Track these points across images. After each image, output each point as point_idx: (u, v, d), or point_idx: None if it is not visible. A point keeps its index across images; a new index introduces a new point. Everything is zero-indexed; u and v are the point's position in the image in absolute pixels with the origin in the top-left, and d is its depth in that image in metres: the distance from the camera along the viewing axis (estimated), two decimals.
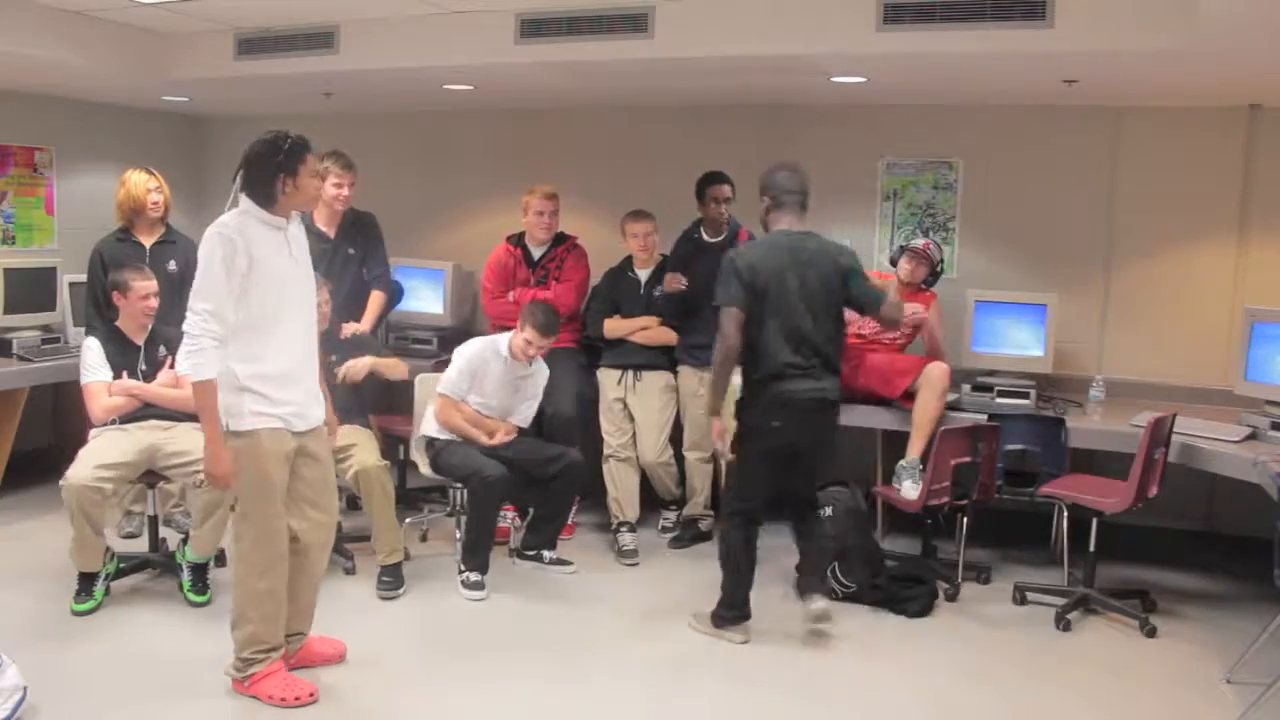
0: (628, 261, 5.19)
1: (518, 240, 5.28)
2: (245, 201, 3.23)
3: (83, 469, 3.94)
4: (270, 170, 3.20)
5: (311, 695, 3.37)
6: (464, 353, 4.59)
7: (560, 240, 5.26)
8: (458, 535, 4.82)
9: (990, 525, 5.07)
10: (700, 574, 4.73)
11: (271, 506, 3.29)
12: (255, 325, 3.21)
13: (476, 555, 4.42)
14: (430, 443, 4.61)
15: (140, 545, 4.61)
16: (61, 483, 3.93)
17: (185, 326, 3.16)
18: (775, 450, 3.88)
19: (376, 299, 5.04)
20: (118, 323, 4.38)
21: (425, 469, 4.68)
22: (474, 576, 4.39)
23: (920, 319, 4.86)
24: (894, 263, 5.06)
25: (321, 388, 3.54)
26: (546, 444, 4.73)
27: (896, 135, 5.57)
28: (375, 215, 5.15)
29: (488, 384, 4.59)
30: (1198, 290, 5.11)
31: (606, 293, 5.22)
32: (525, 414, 4.70)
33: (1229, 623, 4.21)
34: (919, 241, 5.03)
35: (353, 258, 4.96)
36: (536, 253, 5.23)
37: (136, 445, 4.13)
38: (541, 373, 4.71)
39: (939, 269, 5.03)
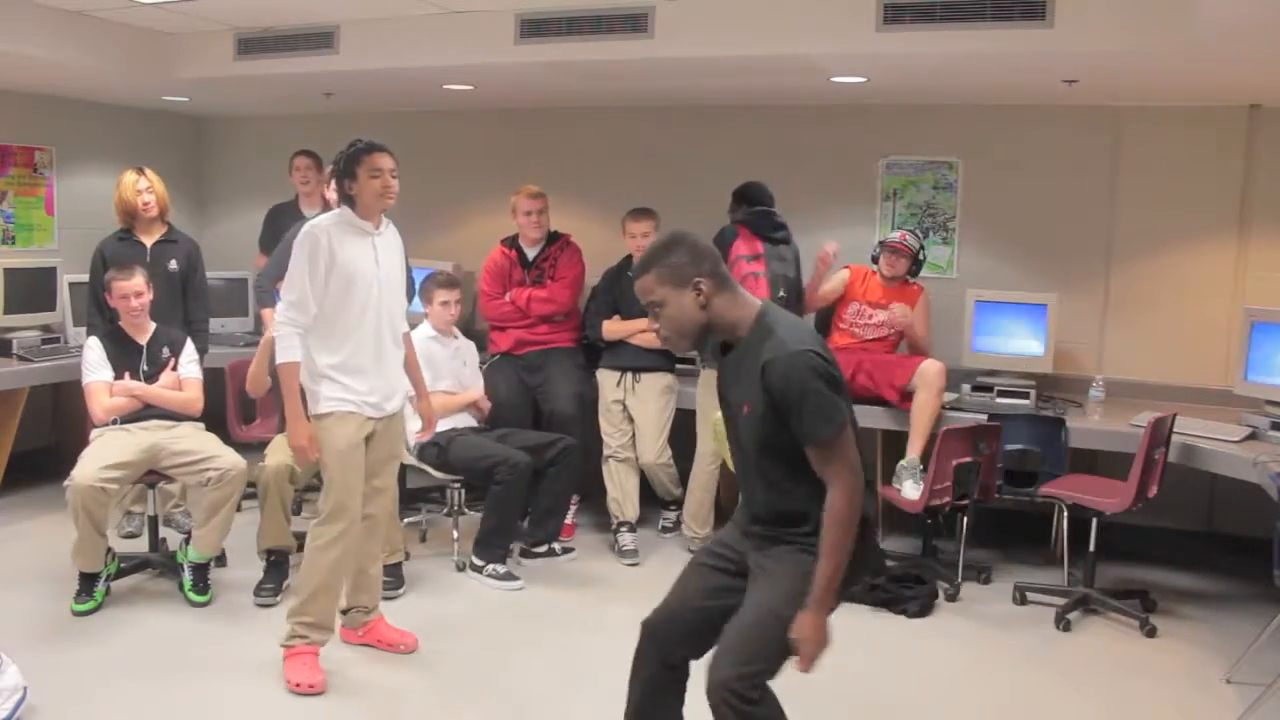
0: (627, 261, 5.18)
1: (512, 242, 5.29)
2: (342, 206, 3.54)
3: (88, 469, 3.94)
4: (339, 178, 3.52)
5: (312, 687, 3.45)
6: None
7: (554, 239, 5.27)
8: (455, 535, 4.83)
9: (990, 525, 5.07)
10: None
11: (345, 481, 3.49)
12: (331, 319, 3.46)
13: (498, 546, 4.49)
14: (429, 440, 4.63)
15: (140, 545, 4.62)
16: (66, 483, 3.93)
17: (275, 314, 3.52)
18: None
19: None
20: (120, 322, 4.39)
21: (432, 471, 4.70)
22: (501, 568, 4.47)
23: (903, 323, 4.87)
24: (875, 260, 5.04)
25: (417, 382, 3.91)
26: (540, 432, 4.86)
27: (896, 135, 5.56)
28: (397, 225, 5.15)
29: (441, 367, 4.78)
30: (1198, 290, 5.10)
31: (605, 293, 5.22)
32: (478, 386, 4.97)
33: (1229, 623, 4.21)
34: (895, 235, 5.01)
35: None
36: (530, 253, 5.23)
37: (139, 445, 4.13)
38: (466, 343, 4.99)
39: (920, 258, 5.00)
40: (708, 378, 4.80)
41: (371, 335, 3.54)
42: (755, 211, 4.91)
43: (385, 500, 3.79)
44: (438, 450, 4.61)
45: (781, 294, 4.75)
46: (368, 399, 3.53)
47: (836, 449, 2.40)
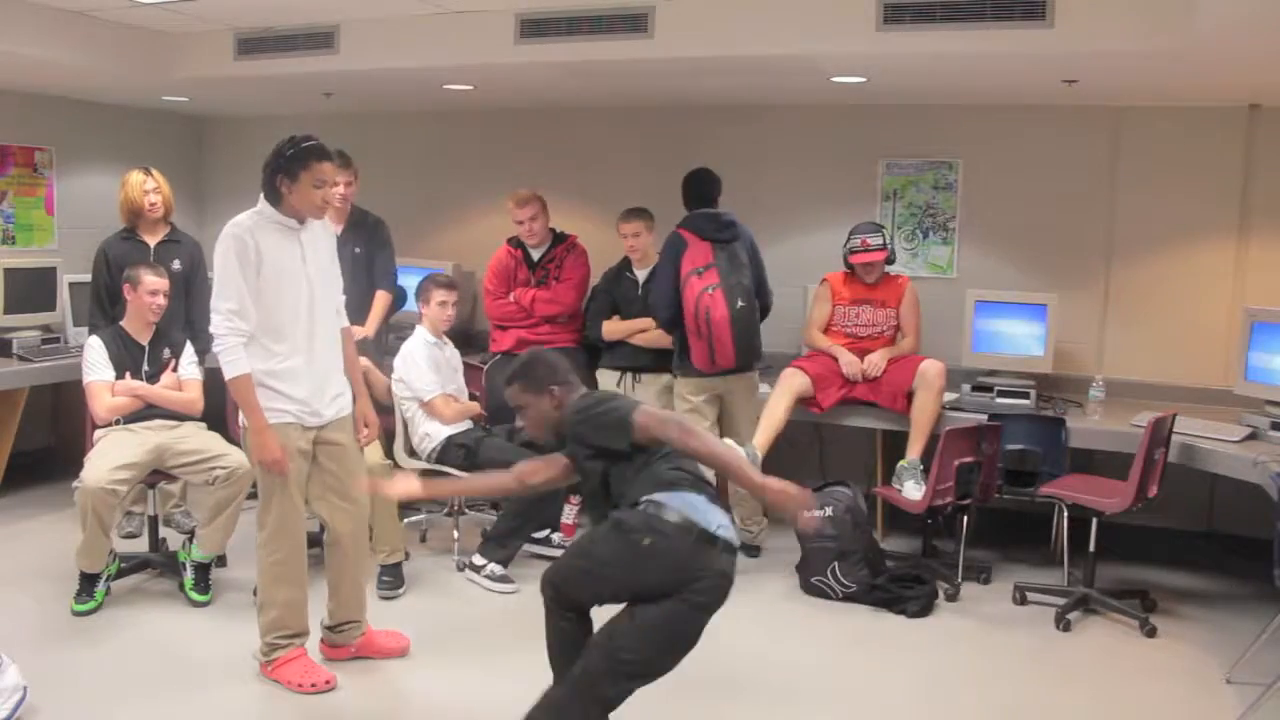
0: (626, 261, 5.18)
1: (518, 242, 5.29)
2: (261, 201, 3.34)
3: (98, 471, 3.93)
4: (272, 170, 3.30)
5: (328, 683, 3.44)
6: (417, 357, 4.67)
7: (560, 240, 5.27)
8: (455, 535, 4.83)
9: (990, 525, 5.07)
10: None
11: (286, 496, 3.39)
12: (264, 323, 3.32)
13: (506, 548, 4.46)
14: (452, 442, 4.62)
15: (140, 545, 4.62)
16: (76, 485, 3.93)
17: (211, 328, 3.28)
18: None
19: (381, 299, 5.06)
20: (123, 322, 4.39)
21: (456, 474, 4.63)
22: (500, 569, 4.44)
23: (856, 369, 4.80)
24: (846, 261, 4.96)
25: (355, 381, 3.65)
26: None
27: (896, 135, 5.57)
28: (384, 221, 5.17)
29: (445, 371, 4.78)
30: (1198, 290, 5.10)
31: (605, 293, 5.22)
32: (464, 391, 4.95)
33: (1229, 623, 4.21)
34: (856, 241, 4.84)
35: (359, 257, 4.95)
36: (536, 254, 5.24)
37: (146, 445, 4.13)
38: (454, 350, 4.95)
39: (891, 250, 4.89)
40: (681, 386, 4.78)
41: (305, 337, 3.38)
42: (697, 215, 4.73)
43: (362, 514, 3.65)
44: (465, 452, 4.58)
45: (740, 304, 4.55)
46: (305, 406, 3.39)
47: None
